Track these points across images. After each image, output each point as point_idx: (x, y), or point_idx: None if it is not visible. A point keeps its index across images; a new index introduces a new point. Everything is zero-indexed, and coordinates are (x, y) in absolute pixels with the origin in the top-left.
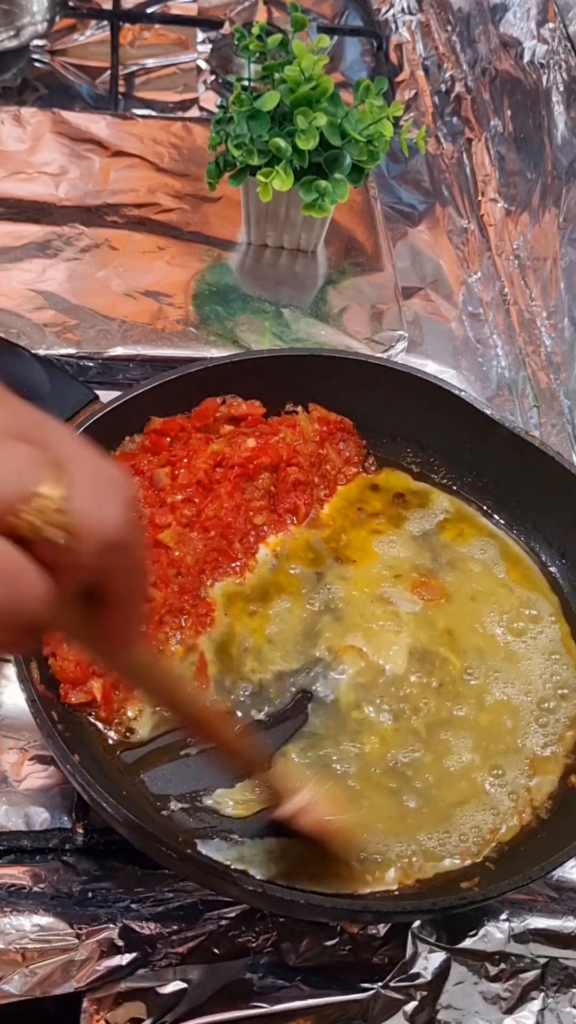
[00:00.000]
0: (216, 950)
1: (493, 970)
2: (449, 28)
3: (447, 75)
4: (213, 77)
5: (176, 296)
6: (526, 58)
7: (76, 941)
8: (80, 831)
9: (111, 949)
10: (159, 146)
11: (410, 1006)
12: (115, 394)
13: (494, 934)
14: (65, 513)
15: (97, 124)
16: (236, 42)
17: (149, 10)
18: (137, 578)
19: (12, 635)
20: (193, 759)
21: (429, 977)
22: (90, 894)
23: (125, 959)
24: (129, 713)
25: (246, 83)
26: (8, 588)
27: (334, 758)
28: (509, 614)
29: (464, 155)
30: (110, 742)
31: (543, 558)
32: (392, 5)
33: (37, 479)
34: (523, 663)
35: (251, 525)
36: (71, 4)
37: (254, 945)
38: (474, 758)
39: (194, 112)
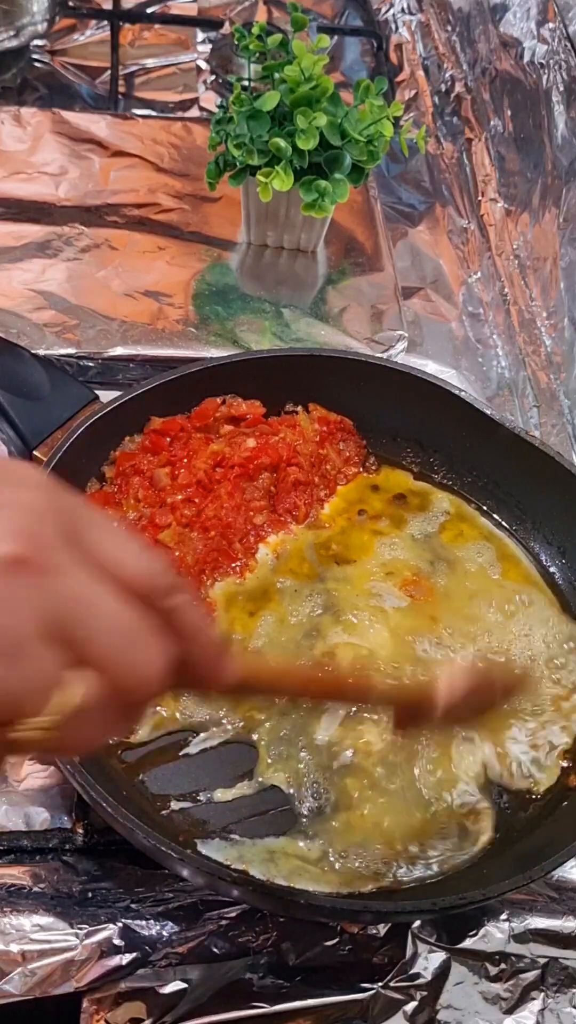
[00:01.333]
0: (216, 950)
1: (493, 970)
2: (449, 28)
3: (447, 75)
4: (213, 77)
5: (176, 296)
6: (526, 58)
7: (76, 941)
8: (80, 831)
9: (111, 949)
10: (159, 146)
11: (410, 1006)
12: (115, 394)
13: (494, 934)
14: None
15: (97, 124)
16: (236, 42)
17: (149, 10)
18: (196, 618)
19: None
20: (193, 759)
21: (429, 977)
22: (90, 894)
23: (125, 959)
24: None
25: (246, 83)
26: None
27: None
28: (499, 599)
29: (464, 155)
30: (110, 742)
31: (543, 559)
32: (392, 5)
33: (47, 695)
34: (517, 628)
35: (251, 525)
36: (71, 4)
37: (254, 945)
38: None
39: (194, 112)
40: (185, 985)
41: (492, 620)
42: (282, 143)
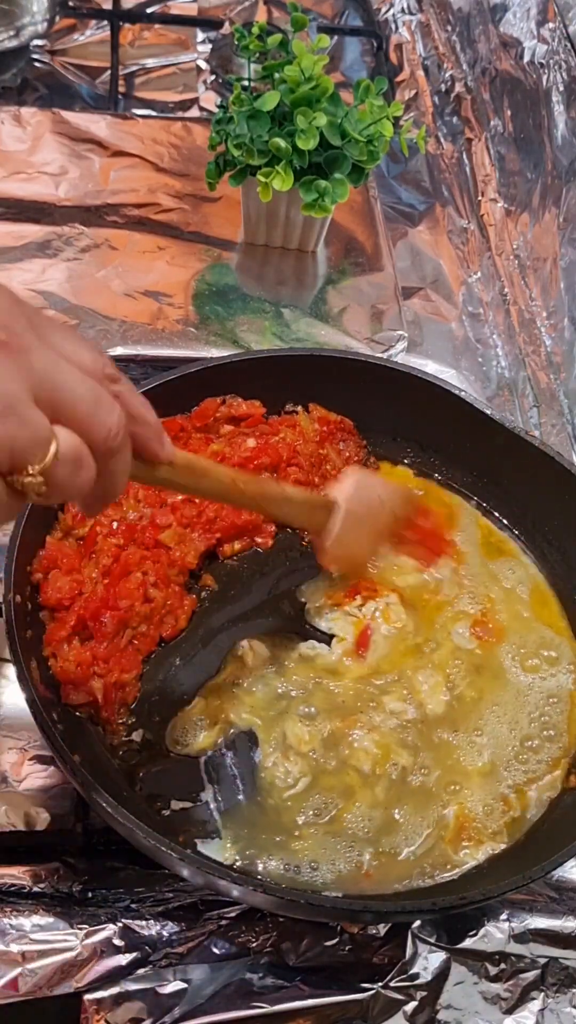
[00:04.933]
0: (216, 950)
1: (493, 970)
2: (449, 28)
3: (447, 75)
4: (213, 77)
5: (176, 296)
6: (526, 58)
7: (76, 941)
8: (80, 831)
9: (111, 949)
10: (159, 146)
11: (410, 1006)
12: None
13: (494, 934)
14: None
15: (97, 124)
16: (236, 42)
17: (149, 10)
18: (138, 401)
19: None
20: (193, 759)
21: (429, 977)
22: (90, 894)
23: (125, 959)
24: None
25: (246, 83)
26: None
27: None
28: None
29: (464, 155)
30: (110, 742)
31: (545, 556)
32: (392, 5)
33: (47, 443)
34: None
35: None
36: (71, 4)
37: (254, 945)
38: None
39: (194, 112)
40: (185, 985)
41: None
42: (282, 143)
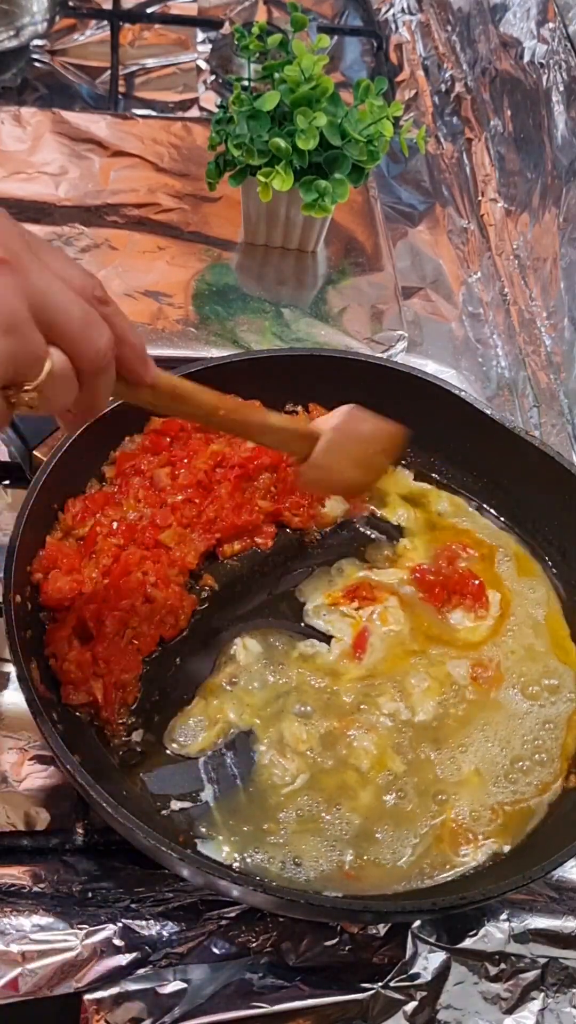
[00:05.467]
0: (216, 950)
1: (493, 970)
2: (449, 28)
3: (447, 75)
4: (213, 77)
5: (176, 296)
6: (526, 58)
7: (76, 941)
8: (80, 831)
9: (111, 949)
10: (159, 146)
11: (410, 1006)
12: None
13: (494, 934)
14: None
15: (97, 124)
16: (236, 42)
17: (149, 10)
18: (125, 323)
19: None
20: (193, 759)
21: (429, 977)
22: (90, 894)
23: (125, 959)
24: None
25: (246, 83)
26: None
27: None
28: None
29: (464, 155)
30: (110, 742)
31: (546, 558)
32: (392, 5)
33: (43, 360)
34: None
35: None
36: (71, 4)
37: (254, 945)
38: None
39: (194, 112)
40: (185, 985)
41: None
42: (282, 143)
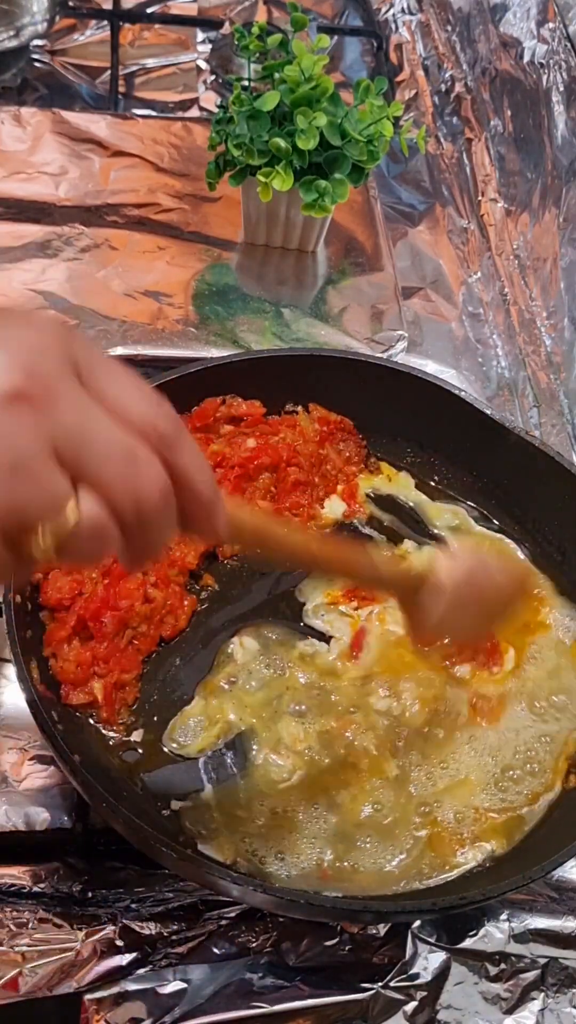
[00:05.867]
0: (216, 950)
1: (493, 970)
2: (449, 28)
3: (447, 75)
4: (213, 77)
5: (176, 296)
6: (526, 58)
7: (76, 941)
8: (80, 831)
9: (111, 949)
10: (159, 146)
11: (410, 1006)
12: None
13: (494, 934)
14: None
15: (97, 124)
16: (236, 42)
17: (149, 10)
18: (193, 464)
19: None
20: (193, 759)
21: (429, 977)
22: (90, 894)
23: (125, 959)
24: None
25: (246, 83)
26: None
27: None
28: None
29: (464, 155)
30: (110, 742)
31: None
32: (392, 5)
33: (60, 507)
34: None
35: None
36: (71, 4)
37: (254, 945)
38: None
39: (194, 112)
40: (185, 985)
41: None
42: (282, 143)
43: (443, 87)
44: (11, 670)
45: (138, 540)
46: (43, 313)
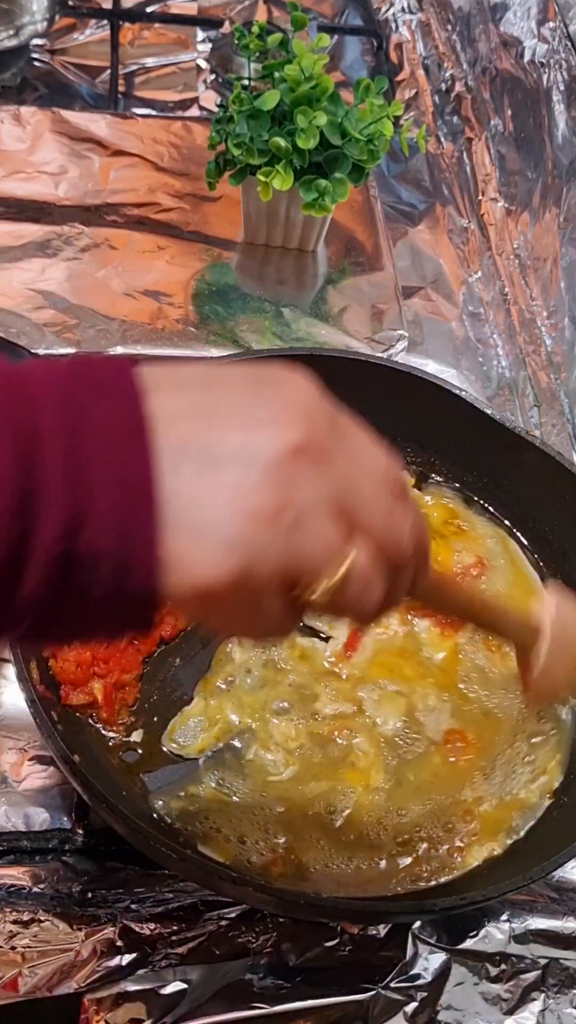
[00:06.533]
0: (216, 950)
1: (494, 971)
2: (449, 27)
3: (447, 74)
4: (213, 76)
5: (176, 296)
6: (527, 57)
7: (76, 941)
8: (80, 831)
9: (111, 949)
10: (159, 146)
11: (410, 1007)
12: None
13: (494, 935)
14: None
15: (97, 123)
16: (236, 41)
17: (149, 9)
18: (420, 519)
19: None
20: (193, 759)
21: (429, 978)
22: (90, 894)
23: (125, 959)
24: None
25: (246, 82)
26: (278, 629)
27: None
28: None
29: (464, 154)
30: (110, 743)
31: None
32: (392, 4)
33: (340, 559)
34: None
35: None
36: (71, 3)
37: (254, 945)
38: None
39: (194, 111)
40: (185, 985)
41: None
42: (282, 142)
43: (443, 86)
44: (11, 670)
45: (392, 589)
46: (299, 371)
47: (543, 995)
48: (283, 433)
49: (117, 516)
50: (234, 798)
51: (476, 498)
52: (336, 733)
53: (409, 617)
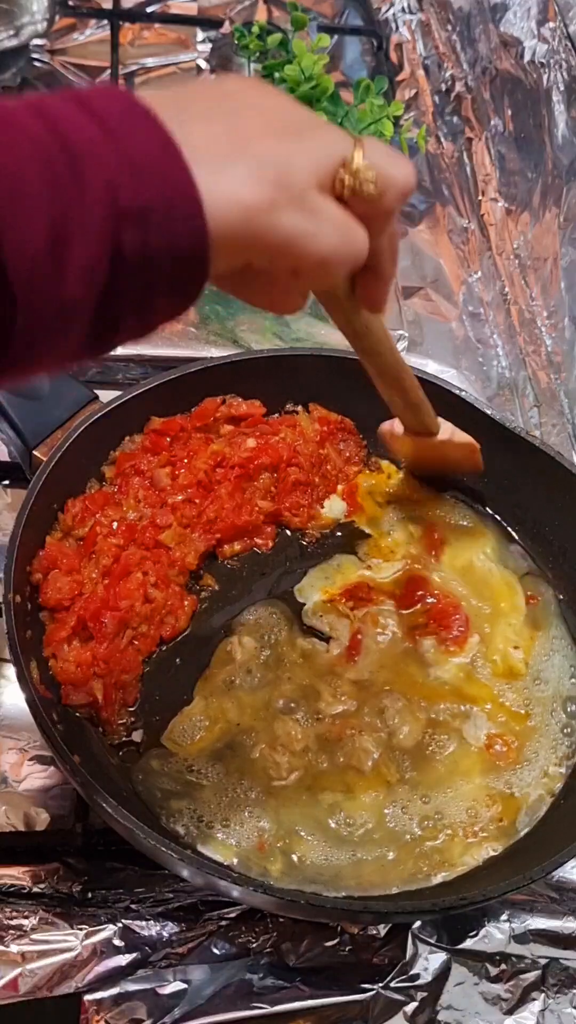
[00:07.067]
0: (216, 950)
1: (493, 971)
2: (449, 27)
3: (447, 74)
4: (213, 76)
5: None
6: (526, 57)
7: (76, 941)
8: (80, 831)
9: (111, 949)
10: None
11: (410, 1007)
12: (115, 394)
13: (494, 935)
14: (372, 169)
15: None
16: (236, 41)
17: (149, 9)
18: (396, 247)
19: (333, 278)
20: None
21: (429, 978)
22: (90, 894)
23: (125, 959)
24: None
25: None
26: (344, 236)
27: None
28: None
29: (464, 154)
30: (110, 742)
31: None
32: (392, 4)
33: (347, 148)
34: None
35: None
36: (71, 3)
37: (254, 945)
38: None
39: None
40: (185, 985)
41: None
42: None
43: (443, 86)
44: (11, 670)
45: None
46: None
47: (543, 995)
48: (260, 92)
49: (153, 165)
50: (233, 796)
51: (475, 498)
52: (341, 734)
53: (417, 637)
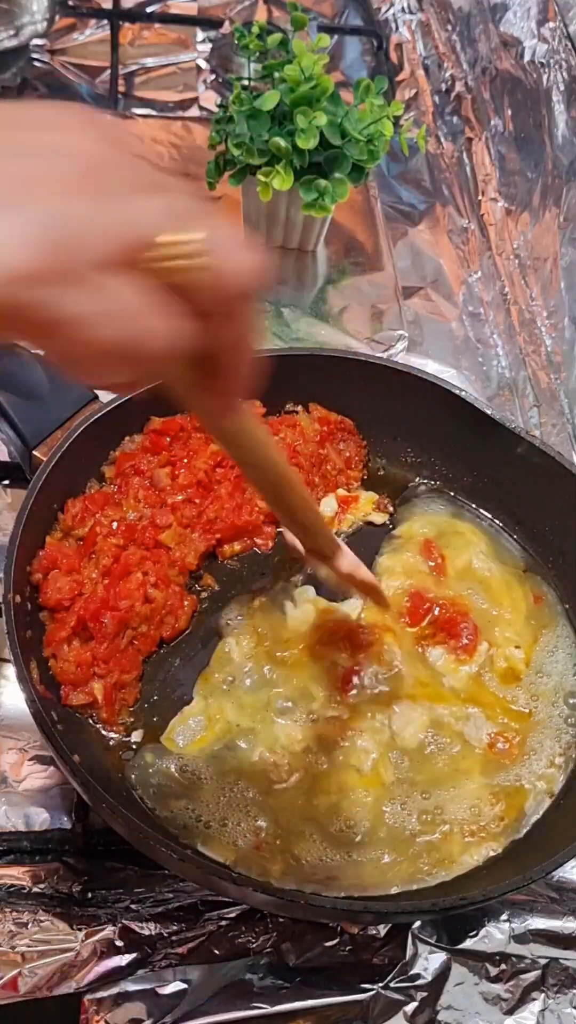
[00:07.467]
0: (216, 950)
1: (493, 971)
2: (449, 27)
3: (447, 74)
4: (213, 76)
5: None
6: (526, 57)
7: (76, 941)
8: (80, 831)
9: (111, 949)
10: (159, 146)
11: (410, 1007)
12: (115, 394)
13: (494, 935)
14: (205, 254)
15: None
16: (236, 41)
17: (149, 9)
18: (247, 346)
19: (128, 373)
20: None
21: (429, 978)
22: (90, 894)
23: (125, 959)
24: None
25: (246, 82)
26: (135, 329)
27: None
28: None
29: (464, 154)
30: (110, 742)
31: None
32: (392, 4)
33: (178, 223)
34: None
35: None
36: (71, 3)
37: (254, 945)
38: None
39: (194, 112)
40: (185, 986)
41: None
42: (282, 142)
43: (443, 86)
44: (11, 670)
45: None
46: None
47: (543, 995)
48: (80, 130)
49: None
50: (232, 796)
51: (475, 499)
52: (341, 734)
53: (419, 650)
